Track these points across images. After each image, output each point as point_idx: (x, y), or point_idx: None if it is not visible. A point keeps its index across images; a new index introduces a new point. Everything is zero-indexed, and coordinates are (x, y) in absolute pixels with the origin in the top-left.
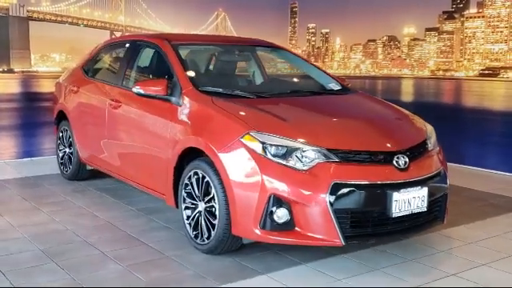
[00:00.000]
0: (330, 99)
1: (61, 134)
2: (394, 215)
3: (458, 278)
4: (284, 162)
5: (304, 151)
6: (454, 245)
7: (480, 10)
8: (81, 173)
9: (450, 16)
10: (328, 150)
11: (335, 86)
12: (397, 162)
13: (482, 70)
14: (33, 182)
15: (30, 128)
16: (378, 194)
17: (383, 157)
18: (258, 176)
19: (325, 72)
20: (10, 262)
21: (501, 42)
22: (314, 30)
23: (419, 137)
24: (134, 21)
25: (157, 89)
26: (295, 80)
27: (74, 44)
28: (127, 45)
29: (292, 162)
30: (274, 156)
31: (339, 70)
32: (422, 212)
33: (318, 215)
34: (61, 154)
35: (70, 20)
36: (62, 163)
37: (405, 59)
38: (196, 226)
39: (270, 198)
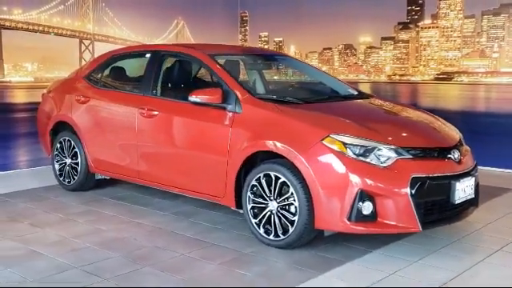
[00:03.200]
0: (366, 103)
1: (59, 145)
2: (456, 202)
3: (504, 252)
4: (367, 160)
5: (380, 150)
6: (477, 227)
7: (434, 21)
8: (87, 182)
9: (405, 26)
10: (401, 148)
11: (353, 91)
12: (453, 156)
13: (438, 74)
14: (35, 195)
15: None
16: (446, 185)
17: (443, 152)
18: (344, 174)
19: (337, 79)
20: (103, 269)
21: (454, 50)
22: (266, 39)
23: (457, 134)
24: (102, 29)
25: (212, 97)
26: (321, 86)
27: (45, 53)
28: (148, 55)
29: (373, 160)
30: (356, 155)
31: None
32: (471, 198)
33: (400, 206)
34: (58, 166)
35: (41, 28)
36: (60, 174)
37: (361, 65)
38: (265, 224)
39: (357, 192)
